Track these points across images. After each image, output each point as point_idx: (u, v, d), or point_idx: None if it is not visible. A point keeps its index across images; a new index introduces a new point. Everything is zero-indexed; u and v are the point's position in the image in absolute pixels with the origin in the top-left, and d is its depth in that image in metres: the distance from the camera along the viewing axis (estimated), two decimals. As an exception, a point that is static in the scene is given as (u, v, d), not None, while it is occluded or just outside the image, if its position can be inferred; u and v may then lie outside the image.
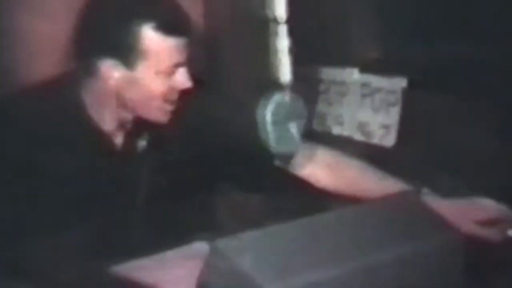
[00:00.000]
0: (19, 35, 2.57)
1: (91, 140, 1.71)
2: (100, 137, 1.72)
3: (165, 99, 1.69)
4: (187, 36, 1.67)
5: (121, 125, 1.74)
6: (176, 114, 1.73)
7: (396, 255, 1.35)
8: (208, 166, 1.81)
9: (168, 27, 1.63)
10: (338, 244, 1.35)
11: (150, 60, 1.64)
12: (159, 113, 1.71)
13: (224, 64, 2.51)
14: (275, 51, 2.51)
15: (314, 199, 1.92)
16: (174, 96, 1.70)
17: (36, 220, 1.64)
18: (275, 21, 2.50)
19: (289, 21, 2.49)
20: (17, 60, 2.58)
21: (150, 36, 1.63)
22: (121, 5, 1.66)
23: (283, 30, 2.49)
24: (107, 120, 1.72)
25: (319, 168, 1.87)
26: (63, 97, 1.70)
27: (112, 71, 1.65)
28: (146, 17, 1.63)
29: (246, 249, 1.30)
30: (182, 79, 1.68)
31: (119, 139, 1.75)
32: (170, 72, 1.67)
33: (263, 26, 2.54)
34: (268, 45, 2.52)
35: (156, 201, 1.75)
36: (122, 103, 1.69)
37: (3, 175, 1.63)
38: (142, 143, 1.77)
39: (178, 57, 1.67)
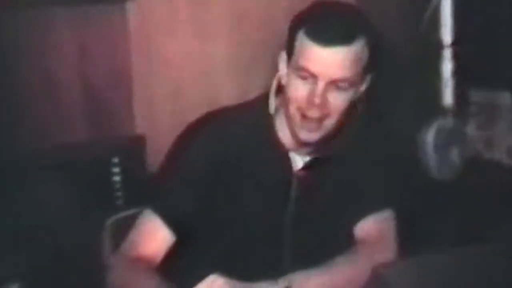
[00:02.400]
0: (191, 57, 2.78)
1: (274, 158, 1.76)
2: (282, 155, 1.77)
3: (298, 106, 1.68)
4: (338, 48, 1.64)
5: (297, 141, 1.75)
6: (331, 135, 1.72)
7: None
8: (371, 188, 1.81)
9: (314, 34, 1.64)
10: (496, 276, 1.34)
11: (292, 58, 1.69)
12: (294, 119, 1.70)
13: (388, 86, 2.50)
14: (439, 75, 2.48)
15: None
16: (308, 109, 1.67)
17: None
18: (441, 44, 2.47)
19: (454, 44, 2.46)
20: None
21: (300, 37, 1.67)
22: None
23: (447, 53, 2.46)
24: (288, 135, 1.76)
25: None
26: (256, 113, 1.79)
27: (282, 66, 1.73)
28: (304, 20, 1.68)
29: (406, 275, 1.31)
30: (312, 92, 1.66)
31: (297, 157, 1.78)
32: (305, 77, 1.66)
33: (428, 49, 2.52)
34: (433, 69, 2.49)
35: (305, 223, 1.78)
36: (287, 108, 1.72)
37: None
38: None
39: (320, 68, 1.64)
